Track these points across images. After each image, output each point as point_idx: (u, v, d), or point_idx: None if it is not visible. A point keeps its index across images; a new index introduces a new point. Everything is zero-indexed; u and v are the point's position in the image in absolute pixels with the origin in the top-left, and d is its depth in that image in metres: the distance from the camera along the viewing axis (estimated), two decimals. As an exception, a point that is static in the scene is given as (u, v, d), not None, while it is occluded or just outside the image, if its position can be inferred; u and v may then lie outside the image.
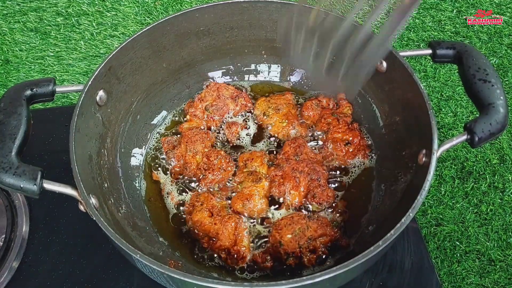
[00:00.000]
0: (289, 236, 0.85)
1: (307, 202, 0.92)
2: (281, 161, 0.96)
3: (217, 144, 1.02)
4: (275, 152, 1.01)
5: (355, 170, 0.98)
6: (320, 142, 1.00)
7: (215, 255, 0.87)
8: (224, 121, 1.05)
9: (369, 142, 1.01)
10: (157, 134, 1.05)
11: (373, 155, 0.99)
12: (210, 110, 1.05)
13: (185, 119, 1.07)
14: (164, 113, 1.07)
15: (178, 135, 1.03)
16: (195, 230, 0.89)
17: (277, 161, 0.97)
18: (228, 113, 1.05)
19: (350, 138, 0.98)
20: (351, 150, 0.98)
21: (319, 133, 1.02)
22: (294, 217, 0.87)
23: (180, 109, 1.09)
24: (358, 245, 0.87)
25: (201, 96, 1.06)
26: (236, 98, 1.06)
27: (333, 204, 0.92)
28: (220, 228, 0.86)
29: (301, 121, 1.04)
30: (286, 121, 1.03)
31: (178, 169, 0.98)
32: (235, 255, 0.85)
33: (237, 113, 1.06)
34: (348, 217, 0.92)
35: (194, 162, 0.97)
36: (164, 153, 1.01)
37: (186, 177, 0.97)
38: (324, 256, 0.85)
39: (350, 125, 1.00)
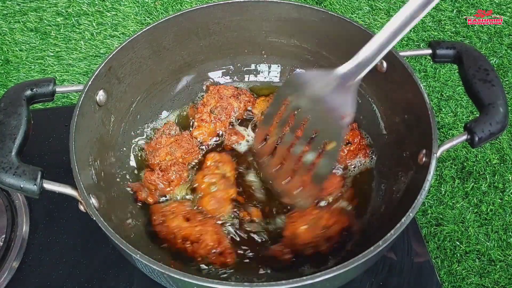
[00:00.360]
0: (304, 227, 0.85)
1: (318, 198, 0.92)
2: None
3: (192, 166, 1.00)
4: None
5: (355, 170, 0.98)
6: None
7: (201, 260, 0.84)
8: (232, 123, 1.05)
9: (369, 142, 1.01)
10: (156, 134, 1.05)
11: (373, 155, 0.99)
12: (215, 112, 1.05)
13: (192, 126, 1.05)
14: (164, 113, 1.07)
15: (180, 134, 1.03)
16: (172, 239, 0.85)
17: None
18: (234, 111, 1.05)
19: (350, 138, 0.98)
20: (352, 149, 0.98)
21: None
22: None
23: (180, 109, 1.09)
24: (358, 245, 0.87)
25: (203, 101, 1.06)
26: (238, 96, 1.07)
27: (339, 194, 0.92)
28: (203, 229, 0.85)
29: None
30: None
31: (148, 150, 0.99)
32: (222, 253, 0.84)
33: (243, 111, 1.06)
34: (357, 203, 0.91)
35: (162, 158, 0.97)
36: (160, 131, 1.02)
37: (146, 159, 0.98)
38: (339, 243, 0.85)
39: (349, 125, 1.00)
